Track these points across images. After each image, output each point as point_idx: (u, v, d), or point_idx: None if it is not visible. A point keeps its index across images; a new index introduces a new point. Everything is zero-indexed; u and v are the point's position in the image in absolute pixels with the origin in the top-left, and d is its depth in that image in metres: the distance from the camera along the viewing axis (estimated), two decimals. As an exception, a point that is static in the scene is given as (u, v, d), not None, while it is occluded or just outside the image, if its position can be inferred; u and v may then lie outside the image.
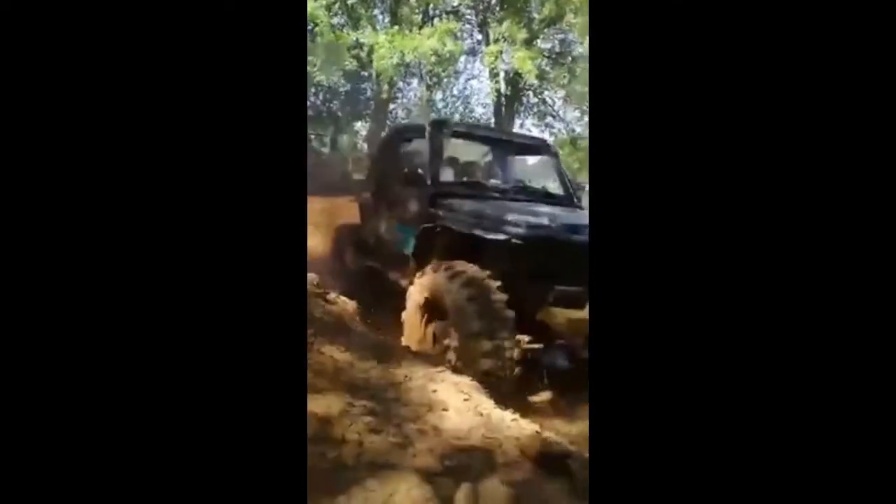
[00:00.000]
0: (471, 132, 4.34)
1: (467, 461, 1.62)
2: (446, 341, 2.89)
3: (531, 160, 4.85)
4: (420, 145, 3.83)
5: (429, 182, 3.56)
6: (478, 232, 3.03)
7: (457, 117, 13.01)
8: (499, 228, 2.97)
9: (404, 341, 3.05)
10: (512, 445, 1.72)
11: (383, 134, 6.36)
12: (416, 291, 3.08)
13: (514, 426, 1.88)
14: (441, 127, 3.81)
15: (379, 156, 4.47)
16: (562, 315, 2.73)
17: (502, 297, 2.70)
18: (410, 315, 3.14)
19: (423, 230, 3.35)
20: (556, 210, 3.42)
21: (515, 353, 2.66)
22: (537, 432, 1.82)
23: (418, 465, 1.58)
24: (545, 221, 3.00)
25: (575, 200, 3.92)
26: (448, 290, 2.78)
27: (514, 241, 2.82)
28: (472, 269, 2.81)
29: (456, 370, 2.54)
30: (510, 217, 3.06)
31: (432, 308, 3.01)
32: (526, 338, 2.76)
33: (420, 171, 3.65)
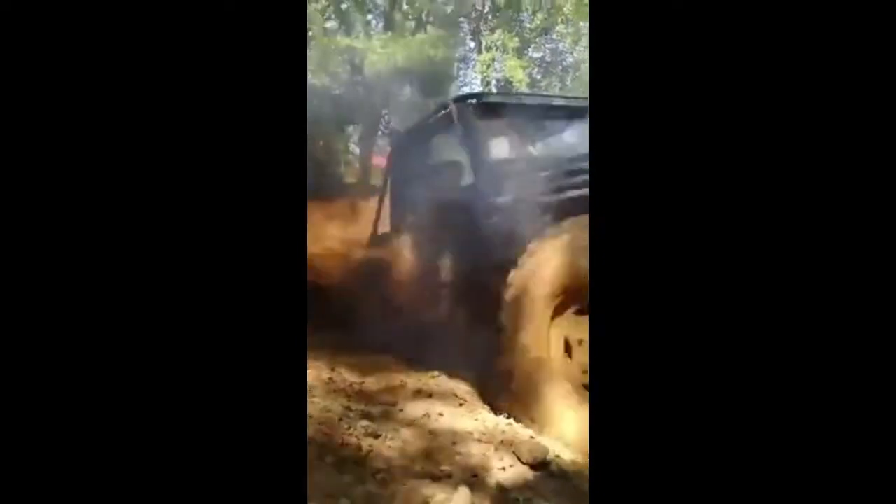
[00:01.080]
0: (507, 101, 2.96)
1: (463, 465, 1.65)
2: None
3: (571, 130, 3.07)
4: (443, 145, 2.75)
5: (475, 183, 2.44)
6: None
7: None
8: None
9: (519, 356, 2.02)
10: (507, 450, 1.75)
11: (389, 148, 4.73)
12: (534, 270, 1.99)
13: (508, 430, 1.91)
14: (469, 102, 2.64)
15: (388, 170, 3.35)
16: None
17: None
18: (524, 312, 2.01)
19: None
20: None
21: None
22: (532, 437, 1.86)
23: (416, 470, 1.60)
24: None
25: None
26: None
27: None
28: None
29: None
30: None
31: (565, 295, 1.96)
32: None
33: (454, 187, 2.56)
